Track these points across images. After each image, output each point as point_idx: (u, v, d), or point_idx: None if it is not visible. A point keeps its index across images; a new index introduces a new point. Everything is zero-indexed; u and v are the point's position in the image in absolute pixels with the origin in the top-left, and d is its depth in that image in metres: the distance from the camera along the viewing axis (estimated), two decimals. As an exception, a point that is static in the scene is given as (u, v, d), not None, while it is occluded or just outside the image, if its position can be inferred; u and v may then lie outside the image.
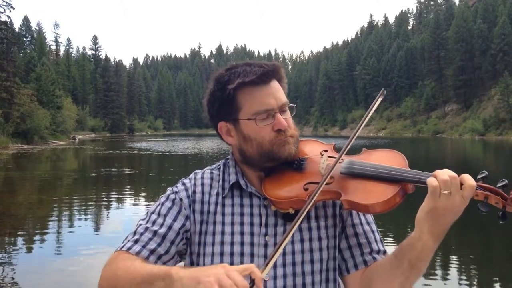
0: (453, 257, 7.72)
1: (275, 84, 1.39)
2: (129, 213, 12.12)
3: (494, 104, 75.89)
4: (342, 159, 1.37)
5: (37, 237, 9.59)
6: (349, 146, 1.34)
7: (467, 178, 1.18)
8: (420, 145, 54.11)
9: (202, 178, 1.47)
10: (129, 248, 1.32)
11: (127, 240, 1.35)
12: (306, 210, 1.23)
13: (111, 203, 13.85)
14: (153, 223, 1.37)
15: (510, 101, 70.25)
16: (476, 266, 7.64)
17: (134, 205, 13.51)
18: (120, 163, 28.18)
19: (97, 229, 10.39)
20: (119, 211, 12.67)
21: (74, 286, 6.69)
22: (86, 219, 11.49)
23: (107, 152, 39.56)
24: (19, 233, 9.97)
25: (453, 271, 7.11)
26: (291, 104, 1.43)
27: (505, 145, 52.45)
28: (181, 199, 1.42)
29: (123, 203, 13.92)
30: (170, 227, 1.36)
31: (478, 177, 1.22)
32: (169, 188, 1.47)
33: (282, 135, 1.37)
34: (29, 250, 8.60)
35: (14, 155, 34.84)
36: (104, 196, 15.16)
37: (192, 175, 1.49)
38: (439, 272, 6.97)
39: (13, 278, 6.79)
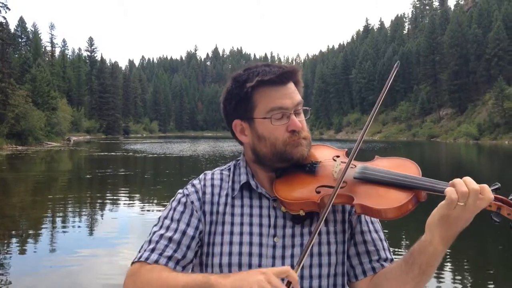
0: (447, 260, 7.74)
1: (291, 85, 1.41)
2: (123, 215, 12.10)
3: (489, 109, 76.25)
4: (354, 165, 1.38)
5: (31, 239, 9.55)
6: (359, 146, 1.34)
7: (487, 191, 1.18)
8: (415, 149, 54.24)
9: (212, 179, 1.48)
10: (147, 258, 1.31)
11: (144, 249, 1.34)
12: (325, 215, 1.25)
13: (106, 205, 13.81)
14: (167, 229, 1.37)
15: (505, 105, 70.58)
16: (470, 270, 7.67)
17: (128, 207, 13.48)
18: (115, 165, 28.11)
19: (91, 230, 10.37)
20: (114, 213, 12.63)
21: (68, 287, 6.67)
22: (80, 220, 11.45)
23: (102, 153, 39.45)
24: (13, 234, 9.92)
25: (447, 275, 7.13)
26: (305, 108, 1.45)
27: (499, 149, 52.69)
28: (192, 202, 1.42)
29: (118, 205, 13.88)
30: (184, 232, 1.36)
31: (491, 188, 1.22)
32: (180, 191, 1.47)
33: (296, 136, 1.37)
34: (23, 251, 8.56)
35: (8, 156, 34.71)
36: (98, 198, 15.12)
37: (201, 176, 1.50)
38: (433, 278, 6.98)
39: (7, 280, 6.76)
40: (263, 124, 1.37)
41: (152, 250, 1.33)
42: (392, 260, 1.43)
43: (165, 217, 1.40)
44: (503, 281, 7.22)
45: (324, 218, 1.25)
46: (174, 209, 1.41)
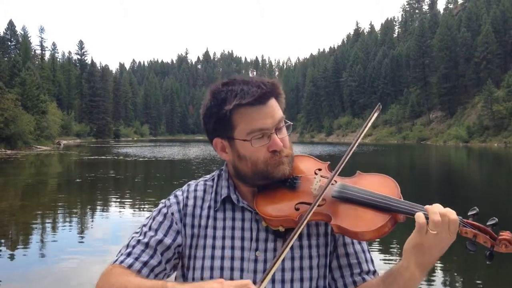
0: (436, 263, 7.78)
1: (272, 103, 1.36)
2: (114, 219, 12.02)
3: (478, 112, 76.98)
4: (335, 181, 1.38)
5: (20, 244, 9.46)
6: (341, 168, 1.34)
7: (453, 215, 1.19)
8: (406, 152, 54.54)
9: (195, 190, 1.47)
10: (122, 262, 1.33)
11: (120, 253, 1.37)
12: (298, 233, 1.25)
13: (96, 209, 13.72)
14: (145, 235, 1.38)
15: (494, 108, 71.24)
16: (459, 273, 7.71)
17: (119, 211, 13.38)
18: (105, 168, 27.97)
19: (81, 235, 10.28)
20: (104, 217, 12.55)
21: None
22: (70, 225, 11.36)
23: (92, 157, 39.22)
24: (2, 240, 9.81)
25: (437, 277, 7.16)
26: (288, 122, 1.41)
27: (488, 151, 53.14)
28: (172, 214, 1.41)
29: (108, 209, 13.79)
30: (160, 241, 1.37)
31: (469, 213, 1.21)
32: (162, 201, 1.47)
33: (277, 156, 1.36)
34: (12, 257, 8.46)
35: (-3, 161, 34.39)
36: (88, 202, 15.02)
37: (185, 187, 1.49)
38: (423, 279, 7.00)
39: (-5, 286, 6.68)
40: (243, 145, 1.35)
41: (128, 254, 1.35)
42: (374, 272, 1.43)
43: (145, 225, 1.42)
44: (493, 282, 7.26)
45: (296, 235, 1.24)
46: (154, 219, 1.42)
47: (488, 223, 1.20)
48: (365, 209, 1.29)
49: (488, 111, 73.01)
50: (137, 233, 1.41)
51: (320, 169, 1.45)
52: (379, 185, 1.36)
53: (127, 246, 1.38)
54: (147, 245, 1.36)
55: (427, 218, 1.19)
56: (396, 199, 1.29)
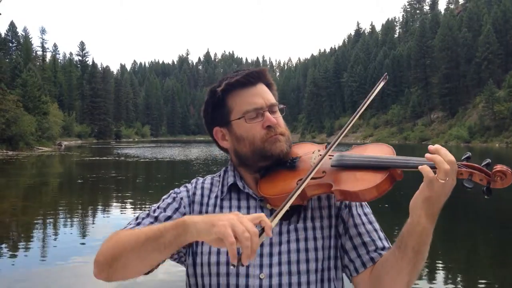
0: (439, 261, 7.78)
1: (262, 86, 1.47)
2: (115, 220, 12.02)
3: (479, 112, 76.82)
4: (332, 155, 1.43)
5: (22, 245, 9.47)
6: (339, 139, 1.40)
7: (451, 157, 1.22)
8: (407, 152, 54.25)
9: (203, 183, 1.54)
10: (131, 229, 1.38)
11: (129, 223, 1.42)
12: (299, 191, 1.28)
13: (97, 210, 13.74)
14: (154, 211, 1.44)
15: (495, 109, 71.12)
16: (462, 271, 7.70)
17: (120, 212, 13.40)
18: (106, 169, 27.99)
19: (83, 236, 10.29)
20: (105, 218, 12.56)
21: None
22: (72, 226, 11.37)
23: (93, 158, 39.26)
24: (4, 240, 9.82)
25: (440, 276, 7.16)
26: (281, 106, 1.50)
27: (490, 152, 53.07)
28: (181, 198, 1.48)
29: (109, 210, 13.81)
30: (169, 217, 1.42)
31: (463, 157, 1.26)
32: (172, 190, 1.54)
33: (272, 132, 1.43)
34: (14, 257, 8.48)
35: (-2, 162, 34.43)
36: (90, 202, 15.03)
37: (193, 180, 1.56)
38: (425, 276, 7.01)
39: (-3, 287, 6.70)
40: (239, 125, 1.43)
41: (138, 224, 1.40)
42: (389, 248, 1.43)
43: (153, 206, 1.49)
44: (494, 281, 7.26)
45: (296, 194, 1.27)
46: (163, 200, 1.49)
47: (483, 164, 1.25)
48: (363, 171, 1.34)
49: (489, 111, 72.86)
50: (145, 211, 1.48)
51: (319, 150, 1.50)
52: (375, 150, 1.42)
53: (137, 218, 1.44)
54: (156, 218, 1.41)
55: (432, 168, 1.22)
56: (392, 156, 1.35)
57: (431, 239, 1.28)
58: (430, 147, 1.25)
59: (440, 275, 7.29)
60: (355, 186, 1.30)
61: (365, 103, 1.42)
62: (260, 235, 1.11)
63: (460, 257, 8.25)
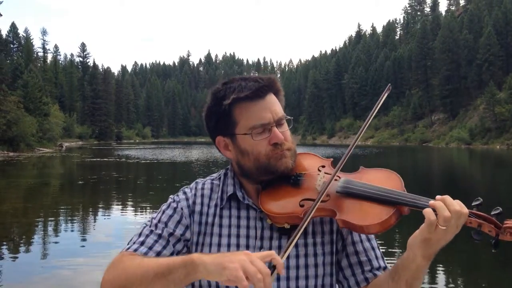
0: (440, 264, 7.77)
1: (271, 98, 1.39)
2: (116, 221, 12.04)
3: (480, 114, 76.85)
4: (338, 177, 1.38)
5: (22, 246, 9.49)
6: (345, 161, 1.35)
7: (465, 212, 1.19)
8: (408, 154, 54.48)
9: (203, 189, 1.49)
10: (135, 250, 1.33)
11: (133, 242, 1.37)
12: (302, 229, 1.24)
13: (98, 211, 13.74)
14: (156, 227, 1.39)
15: (496, 110, 71.12)
16: (463, 273, 7.70)
17: (121, 213, 13.41)
18: (107, 170, 28.00)
19: (84, 237, 10.30)
20: (106, 219, 12.57)
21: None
22: (73, 227, 11.38)
23: (94, 159, 39.28)
24: (5, 241, 9.83)
25: (441, 278, 7.16)
26: (288, 117, 1.43)
27: (490, 153, 53.07)
28: (182, 208, 1.44)
29: (110, 211, 13.82)
30: (172, 234, 1.38)
31: (473, 204, 1.22)
32: (171, 196, 1.49)
33: (279, 149, 1.37)
34: (15, 259, 8.50)
35: (-1, 163, 34.47)
36: (91, 204, 15.04)
37: (193, 185, 1.51)
38: (426, 279, 7.01)
39: (-2, 287, 6.70)
40: (245, 140, 1.38)
41: (142, 243, 1.35)
42: (385, 268, 1.43)
43: (154, 218, 1.43)
44: (496, 283, 7.26)
45: (302, 229, 1.24)
46: (163, 212, 1.43)
47: (493, 213, 1.20)
48: (369, 203, 1.29)
49: (490, 113, 72.84)
50: (147, 225, 1.42)
51: (323, 166, 1.46)
52: (383, 179, 1.37)
53: (140, 235, 1.39)
54: (160, 236, 1.37)
55: (435, 213, 1.19)
56: (400, 192, 1.29)
57: (425, 274, 1.29)
58: (438, 196, 1.22)
59: (441, 276, 7.28)
60: (360, 220, 1.26)
61: (370, 117, 1.40)
62: (272, 273, 1.09)
63: (460, 259, 8.24)
